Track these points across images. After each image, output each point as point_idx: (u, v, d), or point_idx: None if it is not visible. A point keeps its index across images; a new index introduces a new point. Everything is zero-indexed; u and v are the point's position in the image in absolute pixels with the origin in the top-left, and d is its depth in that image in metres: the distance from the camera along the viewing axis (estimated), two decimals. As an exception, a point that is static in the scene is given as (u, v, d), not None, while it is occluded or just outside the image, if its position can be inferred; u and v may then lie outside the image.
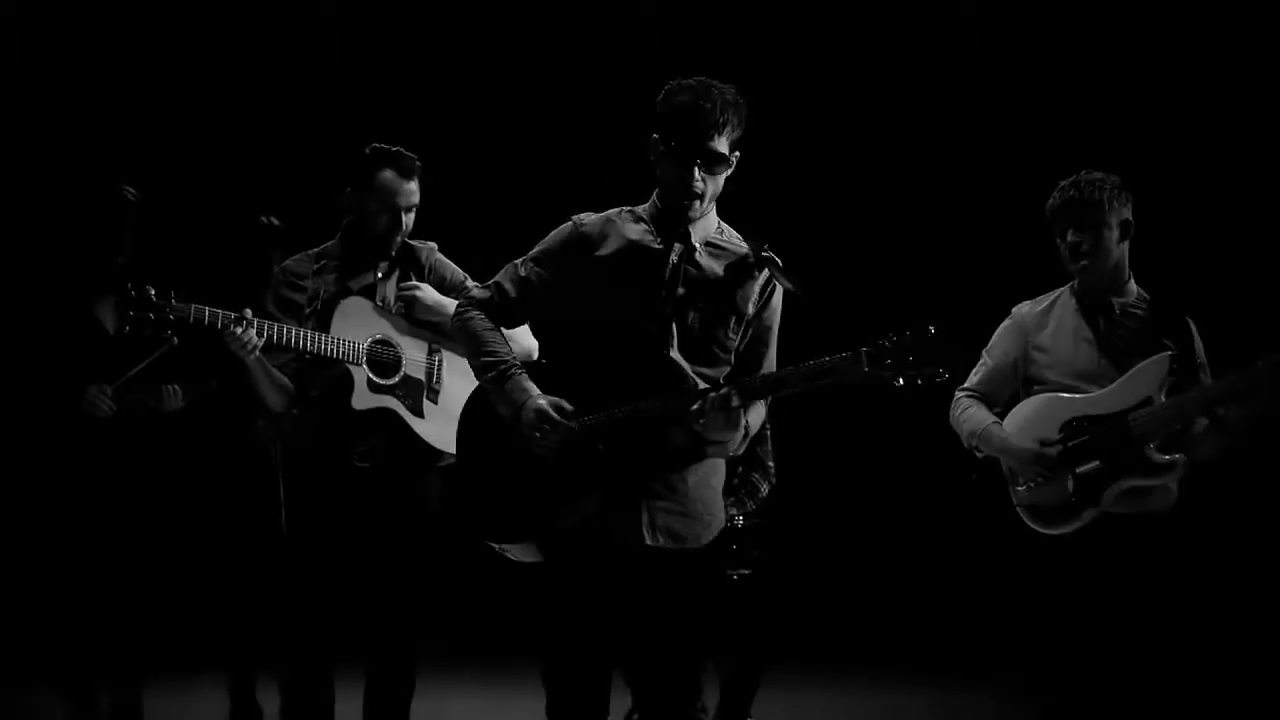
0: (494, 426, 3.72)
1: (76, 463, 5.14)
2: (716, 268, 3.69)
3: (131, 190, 5.26)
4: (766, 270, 3.68)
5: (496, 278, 3.82)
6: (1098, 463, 4.23)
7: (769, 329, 3.75)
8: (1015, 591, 4.44)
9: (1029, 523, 4.35)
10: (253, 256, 5.50)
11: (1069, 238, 4.34)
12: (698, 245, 3.68)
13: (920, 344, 3.30)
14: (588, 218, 3.74)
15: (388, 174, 4.54)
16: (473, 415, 3.83)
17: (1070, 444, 4.28)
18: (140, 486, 5.23)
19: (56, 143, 6.16)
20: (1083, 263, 4.32)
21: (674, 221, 3.67)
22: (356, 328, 4.53)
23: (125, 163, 5.80)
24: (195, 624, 5.58)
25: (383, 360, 4.57)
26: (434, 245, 4.77)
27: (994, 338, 4.52)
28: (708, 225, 3.72)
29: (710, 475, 3.71)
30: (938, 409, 4.47)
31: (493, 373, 3.69)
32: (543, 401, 3.59)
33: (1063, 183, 4.38)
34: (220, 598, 5.56)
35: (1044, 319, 4.44)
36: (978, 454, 4.40)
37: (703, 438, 3.55)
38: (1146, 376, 4.23)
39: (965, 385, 4.47)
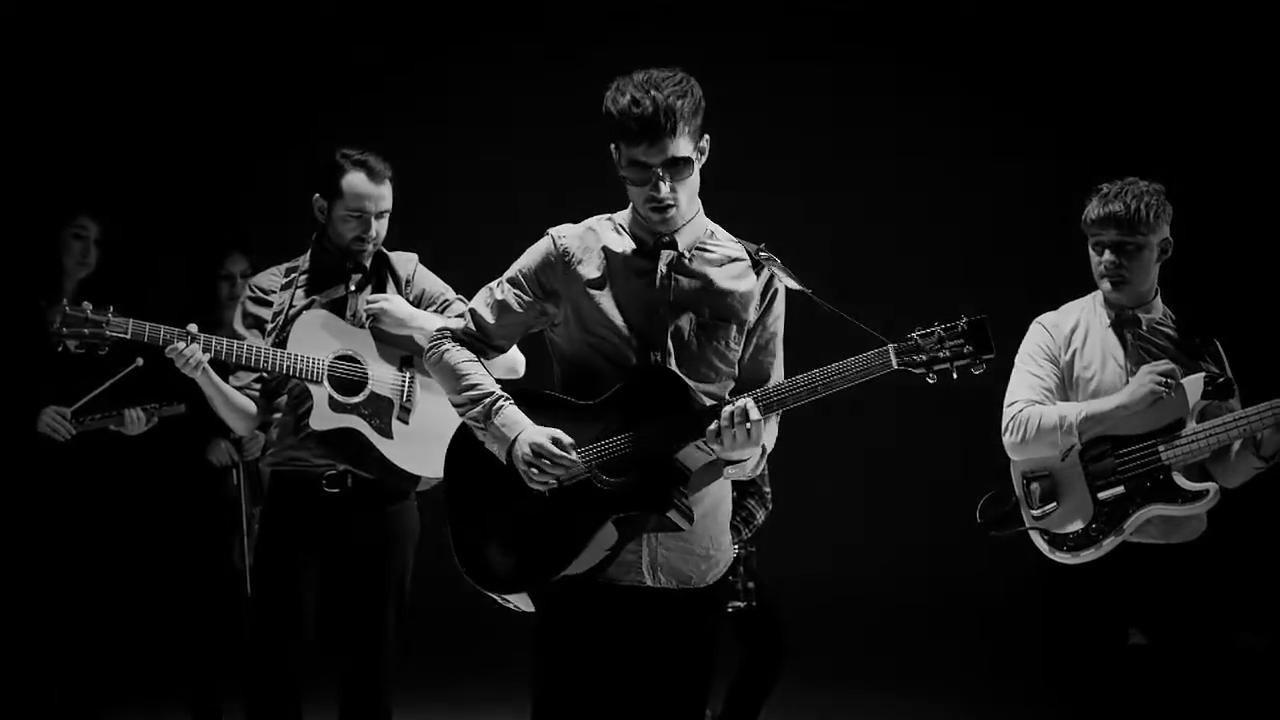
0: (484, 465, 3.43)
1: (31, 487, 5.02)
2: (710, 273, 3.43)
3: (90, 215, 5.18)
4: (766, 272, 3.43)
5: (471, 304, 3.56)
6: (1122, 489, 4.07)
7: (774, 336, 3.49)
8: (1033, 622, 4.28)
9: (1045, 552, 4.16)
10: (214, 271, 5.41)
11: (1105, 255, 4.14)
12: (687, 251, 3.42)
13: (953, 336, 3.18)
14: (565, 230, 3.49)
15: (355, 177, 4.39)
16: (459, 455, 3.54)
17: (1091, 467, 4.11)
18: (96, 513, 5.13)
19: (12, 159, 5.99)
20: (1120, 285, 4.15)
21: (655, 233, 3.41)
22: (318, 343, 4.36)
23: (86, 179, 5.75)
24: (156, 655, 5.47)
25: (346, 378, 4.38)
26: (414, 256, 4.60)
27: (1028, 349, 4.29)
28: (696, 228, 3.45)
29: (717, 506, 3.47)
30: (947, 422, 4.18)
31: (478, 408, 3.40)
32: (539, 434, 3.31)
33: (1105, 188, 4.16)
34: (180, 628, 5.39)
35: (1070, 334, 4.25)
36: (1078, 446, 4.11)
37: (719, 459, 3.31)
38: (1178, 398, 4.07)
39: (1017, 400, 4.21)
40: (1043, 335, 4.26)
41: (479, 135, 5.89)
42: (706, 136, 3.36)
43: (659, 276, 3.39)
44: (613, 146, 3.34)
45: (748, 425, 3.20)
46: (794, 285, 3.40)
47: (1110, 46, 5.68)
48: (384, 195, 4.41)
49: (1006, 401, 4.23)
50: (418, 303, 4.48)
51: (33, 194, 5.38)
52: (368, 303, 4.40)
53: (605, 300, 3.38)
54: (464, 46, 5.93)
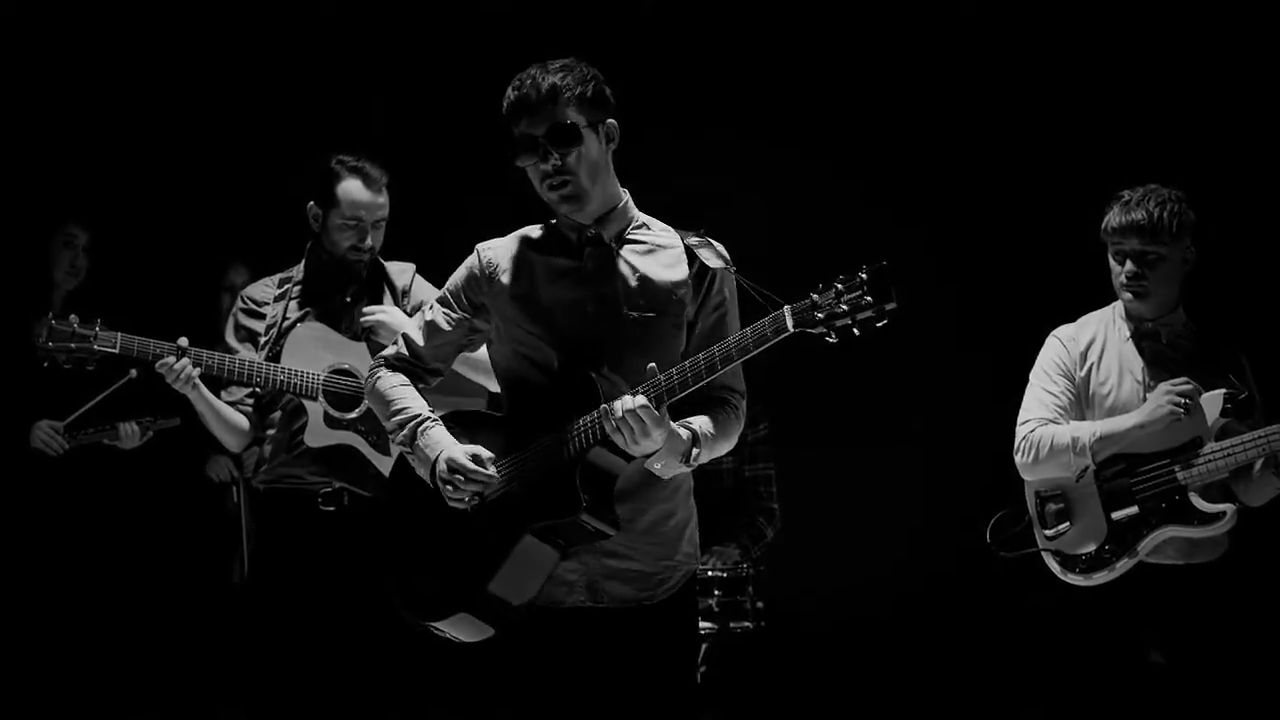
0: (415, 492, 3.34)
1: (24, 502, 4.98)
2: (638, 264, 3.30)
3: (79, 222, 5.14)
4: (699, 258, 3.28)
5: (403, 329, 3.52)
6: (1136, 509, 4.00)
7: (719, 323, 3.31)
8: (1044, 648, 4.26)
9: (1058, 574, 4.10)
10: (216, 282, 5.40)
11: (1127, 265, 4.07)
12: (612, 245, 3.31)
13: (851, 288, 2.91)
14: (492, 243, 3.41)
15: (351, 185, 4.33)
16: (396, 484, 3.46)
17: (1106, 487, 4.04)
18: (91, 529, 5.09)
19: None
20: (1142, 297, 4.08)
21: (579, 228, 3.31)
22: (312, 357, 4.30)
23: (74, 185, 5.67)
24: (153, 673, 5.40)
25: (342, 392, 4.32)
26: (412, 266, 4.54)
27: (1043, 364, 4.22)
28: (621, 219, 3.34)
29: (666, 519, 3.30)
30: (959, 437, 4.10)
31: (404, 431, 3.30)
32: (456, 451, 3.21)
33: (1126, 196, 4.08)
34: (178, 646, 5.38)
35: (1089, 348, 4.18)
36: (1091, 467, 4.04)
37: (631, 454, 3.13)
38: (1196, 415, 3.98)
39: (1031, 417, 4.14)
40: (1058, 350, 4.18)
41: (480, 139, 5.83)
42: (612, 122, 3.27)
43: (585, 274, 3.29)
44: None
45: (639, 416, 3.03)
46: (716, 264, 3.24)
47: (1124, 48, 5.63)
48: (381, 204, 4.35)
49: (1019, 419, 4.16)
50: (415, 313, 4.31)
51: (20, 201, 5.33)
52: (364, 314, 4.32)
53: (531, 307, 3.30)
54: (466, 48, 5.86)
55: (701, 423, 3.21)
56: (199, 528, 5.30)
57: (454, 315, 3.38)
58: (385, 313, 4.31)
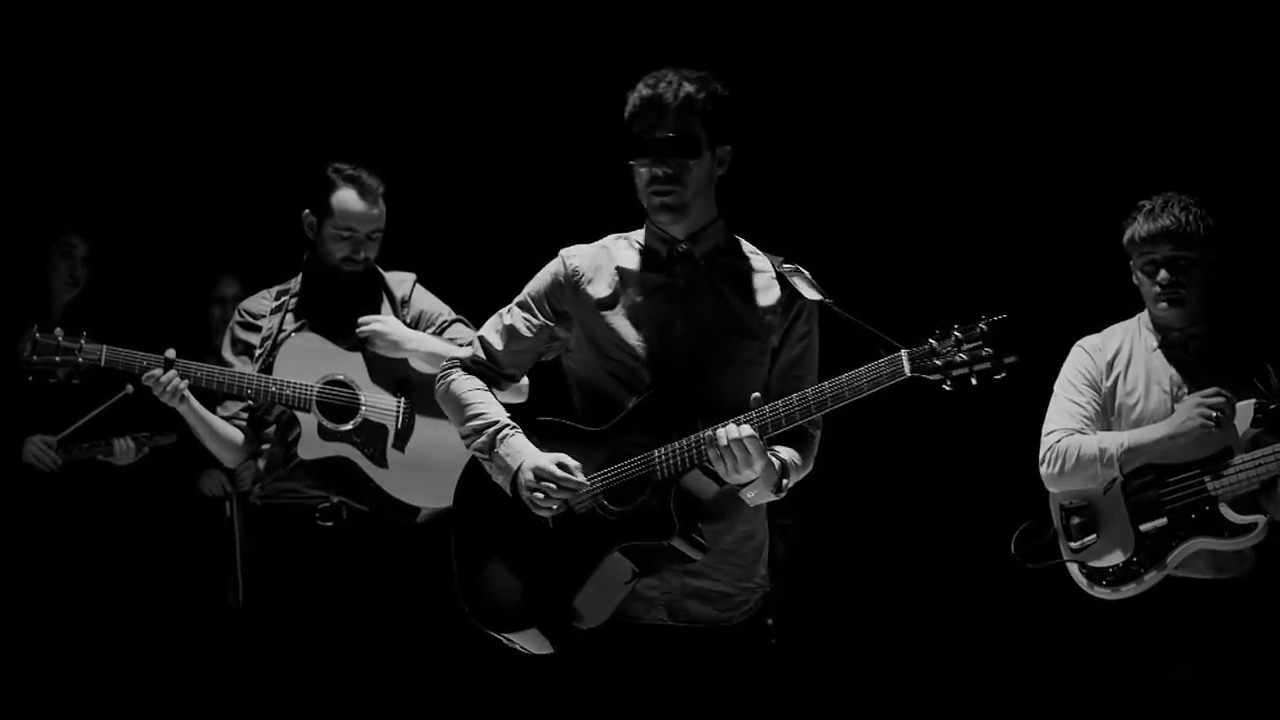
0: (491, 500, 3.29)
1: (15, 519, 4.91)
2: (729, 286, 3.29)
3: (78, 236, 5.10)
4: (791, 286, 3.27)
5: (480, 331, 3.44)
6: (1165, 521, 3.93)
7: (803, 355, 3.31)
8: (1069, 663, 4.25)
9: (1084, 587, 4.04)
10: (206, 294, 5.37)
11: (1161, 274, 4.01)
12: (703, 260, 3.28)
13: (971, 338, 2.96)
14: (577, 250, 3.37)
15: (346, 195, 4.29)
16: (467, 489, 3.41)
17: (1133, 498, 3.98)
18: (84, 547, 5.03)
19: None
20: (1178, 305, 4.02)
21: (670, 242, 3.27)
22: (305, 368, 4.24)
23: (73, 194, 5.61)
24: (147, 695, 5.29)
25: (336, 403, 4.26)
26: (412, 276, 4.50)
27: (1068, 374, 4.19)
28: (713, 237, 3.31)
29: (747, 540, 3.28)
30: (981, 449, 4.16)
31: (482, 437, 3.26)
32: (543, 459, 3.17)
33: (1148, 204, 4.05)
34: (170, 671, 5.27)
35: (1115, 358, 4.14)
36: (1120, 478, 3.99)
37: (728, 482, 3.12)
38: (1226, 426, 3.92)
39: (1055, 429, 4.10)
40: (1084, 359, 4.14)
41: (483, 145, 5.79)
42: (728, 148, 3.26)
43: (674, 289, 3.25)
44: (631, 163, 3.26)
45: (745, 446, 3.02)
46: (814, 296, 3.23)
47: (1127, 51, 5.59)
48: (376, 215, 4.30)
49: (1045, 430, 4.11)
50: (415, 324, 4.37)
51: (18, 211, 5.28)
52: (360, 325, 4.27)
53: (617, 320, 3.25)
54: (466, 57, 5.83)
55: (789, 454, 3.22)
56: (193, 545, 5.23)
57: (535, 321, 3.33)
58: (382, 322, 4.27)
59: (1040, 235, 5.54)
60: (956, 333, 2.95)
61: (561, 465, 3.15)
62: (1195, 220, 3.97)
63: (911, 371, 2.97)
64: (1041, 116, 5.65)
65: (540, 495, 3.14)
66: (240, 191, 5.76)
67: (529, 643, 3.27)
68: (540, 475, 3.14)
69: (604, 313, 3.26)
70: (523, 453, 3.19)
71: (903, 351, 2.98)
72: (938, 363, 2.95)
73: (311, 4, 5.83)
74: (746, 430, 3.03)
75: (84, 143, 5.72)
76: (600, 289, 3.28)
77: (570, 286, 3.29)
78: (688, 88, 3.19)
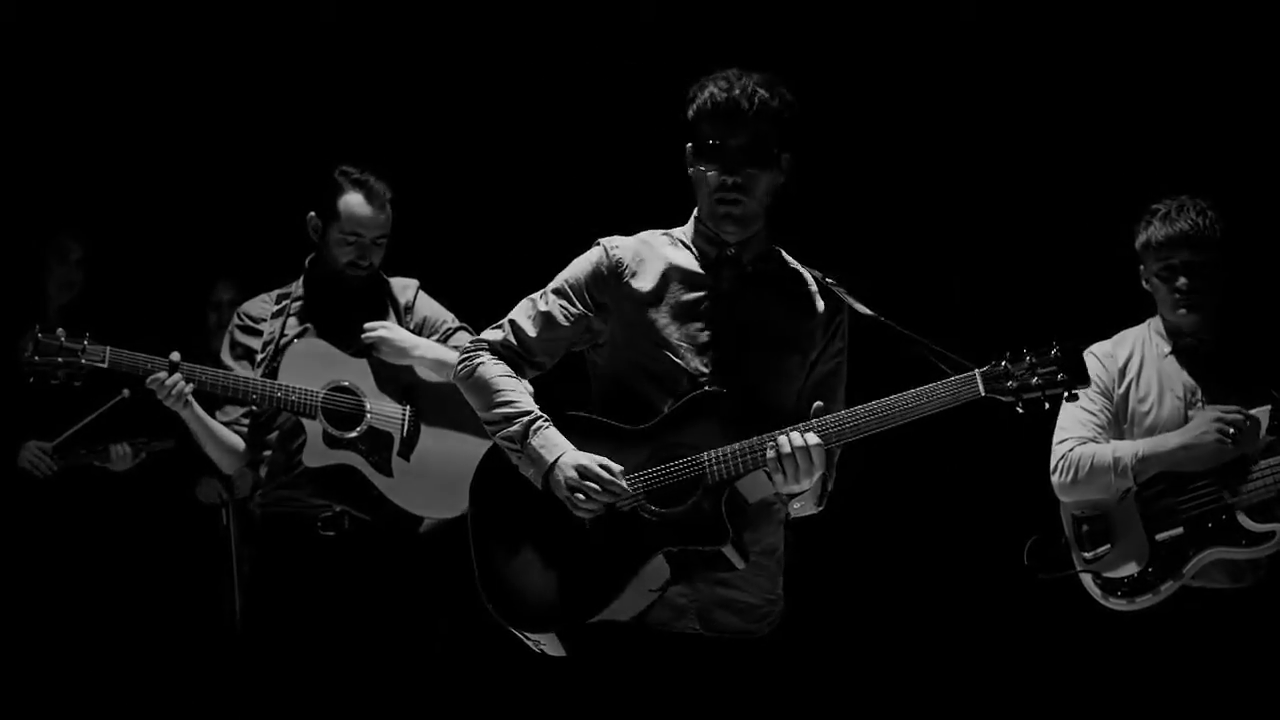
0: (516, 491, 3.19)
1: (9, 525, 4.89)
2: (775, 294, 3.24)
3: (73, 239, 5.08)
4: (833, 299, 3.25)
5: (511, 315, 3.31)
6: (1180, 529, 3.90)
7: (837, 370, 3.28)
8: (1083, 676, 4.22)
9: (1098, 598, 4.00)
10: (202, 297, 5.35)
11: (1180, 280, 3.97)
12: (750, 266, 3.24)
13: (1045, 363, 2.98)
14: (618, 240, 3.28)
15: (353, 199, 4.25)
16: (487, 479, 3.30)
17: (1148, 507, 3.96)
18: (79, 554, 5.00)
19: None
20: (1198, 310, 3.99)
21: (719, 244, 3.22)
22: (311, 374, 4.19)
23: (68, 196, 5.59)
24: (144, 706, 5.25)
25: (342, 410, 4.21)
26: (415, 282, 4.46)
27: None
28: (760, 245, 3.27)
29: (775, 549, 3.25)
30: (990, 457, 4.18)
31: (514, 426, 3.13)
32: (583, 457, 3.07)
33: (1162, 208, 4.01)
34: (166, 681, 5.22)
35: (1127, 365, 4.10)
36: (1132, 490, 3.97)
37: (779, 494, 3.09)
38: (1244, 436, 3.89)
39: (1067, 438, 4.07)
40: (1096, 368, 4.08)
41: (484, 149, 5.78)
42: (789, 155, 3.20)
43: (720, 295, 3.19)
44: (689, 146, 3.20)
45: (810, 454, 2.99)
46: (865, 311, 3.21)
47: (1132, 55, 5.60)
48: (382, 221, 4.27)
49: (1056, 439, 4.07)
50: (419, 330, 4.33)
51: (12, 213, 5.23)
52: (366, 331, 4.23)
53: (660, 316, 3.17)
54: (470, 60, 5.80)
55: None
56: (189, 553, 5.18)
57: (573, 311, 3.23)
58: (388, 329, 4.23)
59: (1046, 240, 5.52)
60: (1030, 356, 2.97)
61: (605, 467, 3.07)
62: (1212, 224, 3.94)
63: (986, 393, 2.98)
64: (1041, 117, 5.63)
65: (582, 496, 3.05)
66: (235, 194, 5.73)
67: (551, 644, 3.18)
68: (584, 474, 3.05)
69: (645, 309, 3.18)
70: (559, 447, 3.10)
71: (976, 371, 2.99)
72: (1012, 385, 2.96)
73: (311, 5, 5.80)
74: (813, 439, 2.99)
75: (81, 143, 5.70)
76: (644, 283, 3.20)
77: (614, 277, 3.21)
78: (762, 93, 3.12)
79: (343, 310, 4.27)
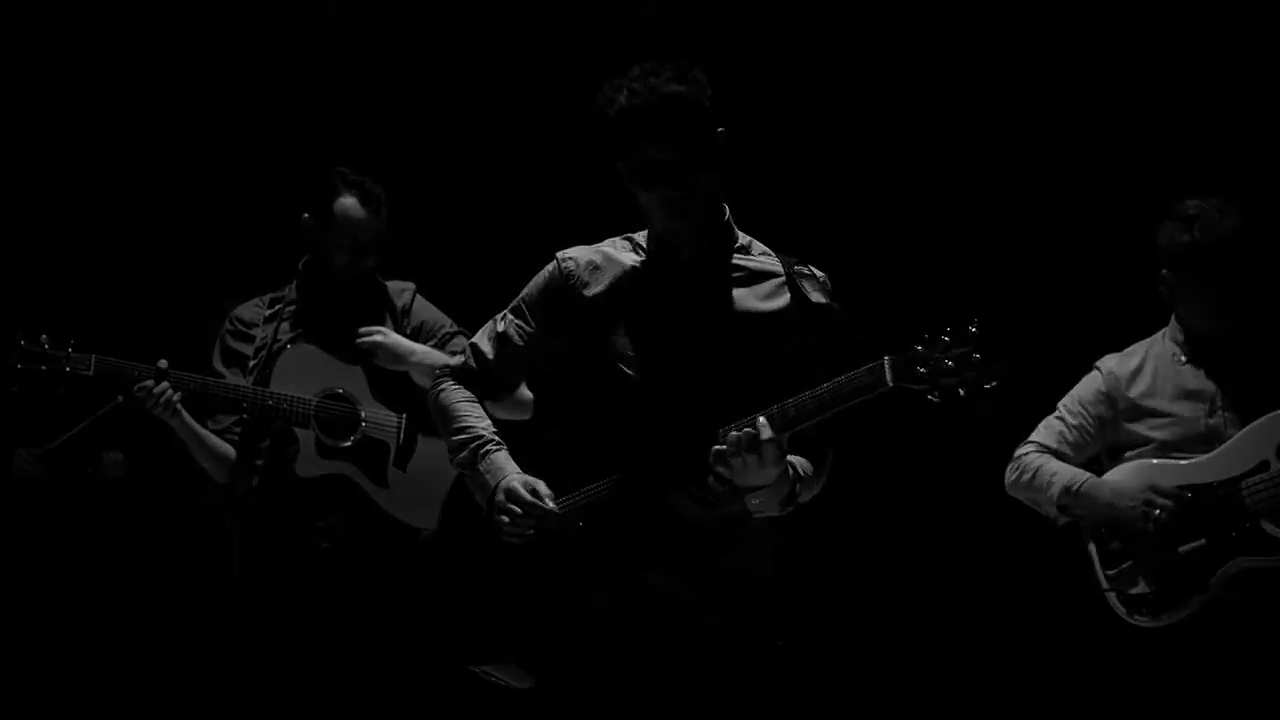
0: (471, 520, 3.12)
1: (4, 533, 4.94)
2: (737, 293, 3.08)
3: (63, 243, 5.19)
4: (799, 291, 3.06)
5: (473, 338, 3.26)
6: (1204, 540, 3.83)
7: (809, 362, 3.06)
8: (1106, 695, 4.06)
9: (1122, 615, 3.92)
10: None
11: (1220, 286, 3.90)
12: (713, 269, 3.09)
13: (960, 342, 2.72)
14: (573, 252, 3.15)
15: (348, 202, 4.21)
16: (458, 508, 3.24)
17: (1169, 518, 3.87)
18: (73, 564, 5.06)
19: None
20: (1234, 313, 3.92)
21: (675, 249, 3.08)
22: (303, 381, 4.16)
23: (58, 197, 5.60)
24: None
25: (335, 418, 4.18)
26: (411, 286, 4.41)
27: (1076, 392, 4.13)
28: (723, 241, 3.11)
29: (748, 569, 3.07)
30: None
31: (464, 452, 3.08)
32: (515, 481, 2.98)
33: (1189, 211, 3.92)
34: (165, 689, 5.19)
35: (1137, 376, 4.04)
36: (1061, 521, 4.00)
37: (738, 489, 2.89)
38: (1261, 436, 3.83)
39: (1032, 440, 4.09)
40: (1094, 383, 4.07)
41: (482, 151, 5.77)
42: (721, 130, 3.00)
43: (682, 298, 3.05)
44: (621, 165, 3.00)
45: (760, 448, 2.81)
46: (817, 298, 3.02)
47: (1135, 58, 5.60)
48: (377, 225, 4.22)
49: (1028, 438, 4.10)
50: (416, 335, 4.27)
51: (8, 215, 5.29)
52: (360, 335, 4.18)
53: (615, 328, 3.06)
54: (468, 60, 5.79)
55: (801, 463, 2.99)
56: (188, 561, 5.13)
57: (527, 329, 3.12)
58: (383, 334, 4.18)
59: (1053, 244, 5.49)
60: (943, 338, 2.73)
61: (532, 490, 2.96)
62: (1239, 230, 3.88)
63: (893, 381, 2.74)
64: (1042, 119, 5.61)
65: (505, 519, 2.96)
66: (230, 197, 5.71)
67: (509, 676, 3.10)
68: (510, 496, 2.96)
69: (600, 320, 3.07)
70: (503, 471, 3.01)
71: (885, 359, 2.75)
72: (922, 370, 2.72)
73: (308, 6, 5.78)
74: (765, 428, 2.81)
75: (80, 143, 5.69)
76: (597, 294, 3.09)
77: (565, 291, 3.10)
78: (675, 87, 2.91)
79: (337, 315, 4.22)
